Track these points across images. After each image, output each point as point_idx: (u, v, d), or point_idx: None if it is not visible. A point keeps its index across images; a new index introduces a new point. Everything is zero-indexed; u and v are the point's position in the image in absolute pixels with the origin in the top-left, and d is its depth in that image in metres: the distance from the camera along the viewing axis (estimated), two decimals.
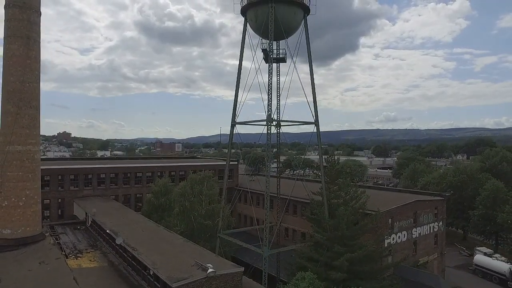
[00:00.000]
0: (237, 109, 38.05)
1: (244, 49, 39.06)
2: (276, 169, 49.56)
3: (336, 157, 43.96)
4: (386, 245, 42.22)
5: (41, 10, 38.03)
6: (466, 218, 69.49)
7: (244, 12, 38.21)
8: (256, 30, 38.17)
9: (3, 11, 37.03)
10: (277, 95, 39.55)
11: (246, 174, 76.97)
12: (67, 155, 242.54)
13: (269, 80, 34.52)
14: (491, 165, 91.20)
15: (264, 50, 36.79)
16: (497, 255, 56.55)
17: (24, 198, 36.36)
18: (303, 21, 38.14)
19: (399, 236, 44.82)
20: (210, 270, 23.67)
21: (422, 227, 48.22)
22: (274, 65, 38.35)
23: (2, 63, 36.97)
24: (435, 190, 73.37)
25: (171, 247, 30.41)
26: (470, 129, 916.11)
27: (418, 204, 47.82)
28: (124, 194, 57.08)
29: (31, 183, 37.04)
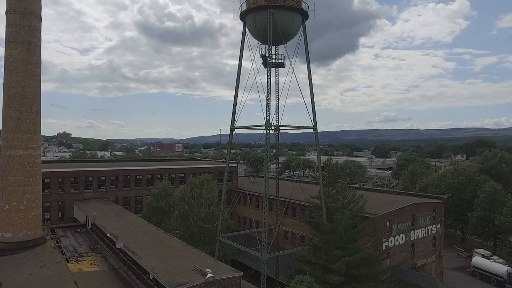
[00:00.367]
0: (236, 113, 38.37)
1: (244, 51, 39.40)
2: (275, 170, 49.81)
3: (334, 161, 44.13)
4: (384, 248, 42.56)
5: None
6: (465, 220, 69.82)
7: (243, 17, 38.52)
8: (255, 35, 38.46)
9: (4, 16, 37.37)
10: (276, 100, 39.88)
11: (245, 176, 77.36)
12: (67, 155, 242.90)
13: (267, 85, 34.83)
14: (490, 167, 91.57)
15: (262, 56, 37.10)
16: (495, 257, 56.88)
17: (25, 202, 36.74)
18: (301, 26, 38.43)
19: (397, 239, 45.14)
20: (209, 275, 24.02)
21: (420, 229, 48.54)
22: (273, 69, 38.68)
23: (3, 68, 37.32)
24: (434, 192, 73.76)
25: (171, 251, 30.74)
26: (470, 129, 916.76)
27: (416, 206, 48.12)
28: (124, 197, 57.44)
29: (32, 187, 37.40)
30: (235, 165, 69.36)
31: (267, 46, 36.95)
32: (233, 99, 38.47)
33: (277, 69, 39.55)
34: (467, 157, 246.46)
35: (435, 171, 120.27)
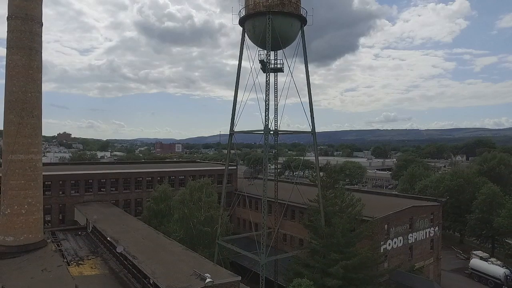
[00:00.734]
0: (235, 118, 38.74)
1: (243, 54, 39.67)
2: (274, 171, 50.19)
3: (332, 164, 44.55)
4: (382, 251, 42.93)
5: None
6: (463, 221, 70.25)
7: (242, 22, 38.90)
8: (254, 40, 38.84)
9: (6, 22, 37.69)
10: (275, 104, 40.28)
11: (245, 178, 77.67)
12: (67, 156, 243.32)
13: (266, 90, 35.16)
14: (489, 168, 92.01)
15: (261, 61, 37.46)
16: (492, 259, 57.21)
17: (26, 206, 37.03)
18: (300, 31, 38.80)
19: (395, 242, 45.52)
20: (208, 280, 24.39)
21: (418, 232, 48.93)
22: (272, 74, 39.07)
23: (5, 73, 37.61)
24: (432, 193, 74.21)
25: (171, 255, 31.09)
26: (470, 130, 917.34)
27: (414, 209, 48.50)
28: (125, 199, 57.81)
29: (33, 191, 37.70)
30: (235, 167, 69.70)
31: (266, 51, 37.29)
32: (232, 104, 38.85)
33: (276, 75, 39.96)
34: (466, 158, 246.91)
35: (434, 173, 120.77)
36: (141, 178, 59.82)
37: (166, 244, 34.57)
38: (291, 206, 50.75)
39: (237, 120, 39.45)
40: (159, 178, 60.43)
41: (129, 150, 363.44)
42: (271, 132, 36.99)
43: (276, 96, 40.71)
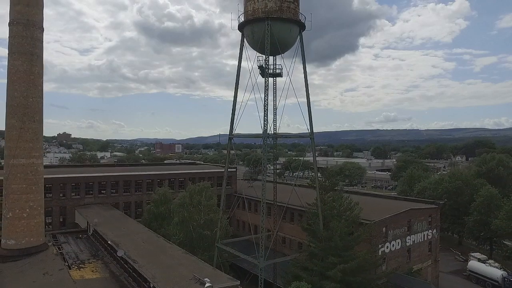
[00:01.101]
0: (234, 123, 39.10)
1: (242, 57, 39.99)
2: (273, 172, 50.56)
3: (332, 163, 44.96)
4: (380, 254, 43.31)
5: None
6: (462, 223, 70.57)
7: (241, 28, 39.27)
8: (253, 45, 39.20)
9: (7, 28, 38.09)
10: (273, 109, 40.65)
11: (244, 180, 78.09)
12: (67, 156, 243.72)
13: (265, 96, 35.54)
14: (488, 170, 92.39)
15: (260, 67, 37.83)
16: (490, 261, 57.54)
17: (28, 210, 37.48)
18: (298, 37, 39.16)
19: (393, 245, 45.89)
20: (207, 284, 24.80)
21: (416, 235, 49.29)
22: (271, 79, 39.46)
23: (6, 78, 37.99)
24: (431, 195, 74.56)
25: (171, 259, 31.50)
26: (470, 130, 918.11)
27: (412, 212, 48.87)
28: (125, 202, 58.21)
29: (35, 195, 38.15)
30: (234, 169, 70.12)
31: (264, 56, 37.63)
32: (232, 107, 39.21)
33: (274, 80, 40.35)
34: (466, 158, 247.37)
35: (434, 174, 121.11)
36: (141, 181, 60.21)
37: (166, 248, 34.98)
38: (290, 209, 51.12)
39: (236, 123, 39.80)
40: (159, 181, 60.88)
41: (129, 151, 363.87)
42: (269, 138, 37.30)
43: (275, 101, 41.15)
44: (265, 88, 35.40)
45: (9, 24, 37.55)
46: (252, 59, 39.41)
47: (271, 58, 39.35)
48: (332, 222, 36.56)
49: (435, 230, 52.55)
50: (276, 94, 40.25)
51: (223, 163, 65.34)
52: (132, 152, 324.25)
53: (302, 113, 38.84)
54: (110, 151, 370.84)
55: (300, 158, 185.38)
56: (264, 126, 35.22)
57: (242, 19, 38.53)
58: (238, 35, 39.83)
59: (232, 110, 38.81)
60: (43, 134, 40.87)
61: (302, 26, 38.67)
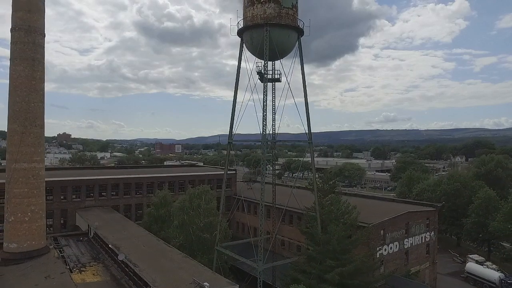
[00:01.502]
0: (233, 127, 39.52)
1: (241, 59, 40.33)
2: (272, 173, 50.92)
3: (332, 164, 45.42)
4: (378, 256, 43.75)
5: None
6: (460, 225, 71.01)
7: (240, 33, 39.69)
8: (252, 50, 39.62)
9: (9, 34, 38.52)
10: (272, 113, 41.12)
11: (244, 182, 78.49)
12: (67, 157, 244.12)
13: (264, 101, 35.96)
14: (487, 171, 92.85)
15: (259, 73, 38.26)
16: (488, 263, 57.99)
17: (29, 214, 37.89)
18: (297, 42, 39.60)
19: (391, 247, 46.33)
20: None
21: (414, 237, 49.73)
22: (269, 84, 39.87)
23: (8, 83, 38.41)
24: (429, 197, 75.01)
25: (171, 263, 31.94)
26: (469, 130, 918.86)
27: (410, 215, 49.29)
28: (125, 204, 58.68)
29: (36, 198, 38.57)
30: (234, 171, 70.56)
31: (263, 61, 38.03)
32: (231, 113, 39.63)
33: (273, 85, 40.77)
34: (466, 159, 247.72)
35: (433, 175, 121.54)
36: (141, 184, 60.68)
37: (166, 251, 35.42)
38: (289, 211, 51.52)
39: (236, 126, 40.14)
40: (159, 183, 61.34)
41: (129, 151, 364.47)
42: (269, 143, 37.73)
43: (274, 104, 41.58)
44: (264, 94, 35.81)
45: (11, 30, 37.96)
46: (251, 62, 39.87)
47: (269, 63, 39.77)
48: (330, 225, 36.99)
49: (433, 233, 52.98)
50: (275, 95, 40.69)
51: (223, 164, 65.73)
52: (132, 153, 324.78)
53: (300, 116, 39.33)
54: (110, 152, 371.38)
55: (299, 159, 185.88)
56: (263, 131, 35.63)
57: (241, 24, 38.95)
58: (239, 25, 39.98)
59: (232, 115, 39.27)
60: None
61: (300, 32, 39.10)
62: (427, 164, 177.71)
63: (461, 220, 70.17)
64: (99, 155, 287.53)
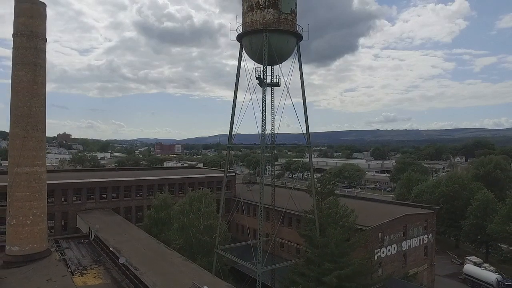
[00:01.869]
0: (233, 130, 39.91)
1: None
2: (271, 174, 51.20)
3: (331, 165, 45.86)
4: (376, 259, 44.15)
5: None
6: (458, 227, 71.41)
7: (239, 39, 40.10)
8: (251, 55, 40.00)
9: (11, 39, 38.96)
10: (271, 116, 41.53)
11: (243, 183, 78.83)
12: (67, 157, 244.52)
13: (263, 107, 36.36)
14: (485, 173, 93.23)
15: (258, 78, 38.65)
16: (486, 264, 58.34)
17: (31, 217, 38.39)
18: (296, 48, 40.01)
19: (389, 249, 46.72)
20: None
21: (412, 239, 50.12)
22: (268, 89, 40.30)
23: (10, 88, 38.85)
24: (428, 199, 75.44)
25: (171, 266, 32.38)
26: (469, 130, 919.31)
27: (408, 217, 49.69)
28: (125, 206, 59.11)
29: (38, 202, 39.04)
30: (233, 174, 71.00)
31: (262, 66, 38.44)
32: (230, 117, 40.02)
33: (272, 89, 41.19)
34: (465, 159, 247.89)
35: (432, 176, 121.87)
36: (141, 186, 61.10)
37: (166, 255, 35.85)
38: (288, 213, 51.89)
39: (236, 128, 40.55)
40: (159, 185, 61.77)
41: (129, 151, 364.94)
42: (268, 147, 38.13)
43: (273, 109, 42.00)
44: (263, 99, 36.22)
45: (13, 36, 38.41)
46: (250, 65, 40.23)
47: (269, 68, 40.17)
48: (328, 229, 37.41)
49: (430, 235, 53.38)
50: (274, 96, 41.03)
51: (223, 165, 66.16)
52: (132, 153, 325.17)
53: (298, 119, 39.72)
54: (110, 152, 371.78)
55: (299, 159, 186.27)
56: (261, 137, 36.04)
57: (241, 30, 39.36)
58: (238, 30, 40.37)
59: (231, 118, 39.63)
60: None
61: (299, 37, 39.50)
62: (426, 165, 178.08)
63: (459, 221, 70.56)
64: (99, 155, 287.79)
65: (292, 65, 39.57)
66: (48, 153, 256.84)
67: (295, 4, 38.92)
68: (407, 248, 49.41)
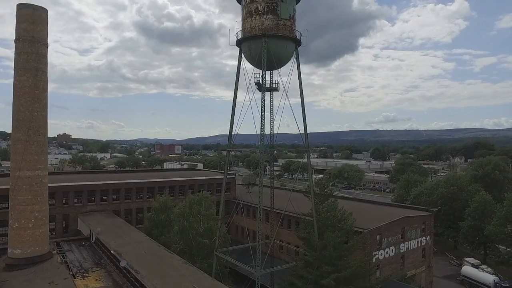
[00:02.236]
0: (232, 136, 40.37)
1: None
2: (271, 176, 51.64)
3: (331, 165, 46.32)
4: (374, 261, 44.62)
5: None
6: (456, 228, 71.91)
7: (239, 44, 40.58)
8: (251, 60, 40.50)
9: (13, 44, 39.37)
10: (271, 121, 41.97)
11: (243, 185, 79.25)
12: (67, 158, 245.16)
13: (262, 111, 36.84)
14: (484, 174, 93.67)
15: (257, 83, 39.13)
16: (483, 266, 58.85)
17: (33, 220, 38.74)
18: (294, 53, 40.49)
19: (387, 252, 47.21)
20: None
21: (410, 241, 50.61)
22: (267, 93, 40.75)
23: (12, 93, 39.26)
24: (427, 200, 75.91)
25: (171, 269, 32.82)
26: (469, 130, 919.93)
27: (406, 220, 50.15)
28: (126, 209, 59.57)
29: (40, 205, 39.42)
30: (233, 176, 71.43)
31: (261, 71, 38.88)
32: (230, 121, 40.51)
33: (272, 94, 41.65)
34: (465, 160, 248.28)
35: (431, 177, 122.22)
36: (142, 188, 61.53)
37: (167, 258, 36.28)
38: (287, 216, 52.34)
39: (236, 129, 41.01)
40: (159, 188, 62.21)
41: (129, 152, 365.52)
42: (267, 149, 38.57)
43: (272, 111, 42.44)
44: (262, 104, 36.69)
45: (15, 41, 38.78)
46: (250, 70, 40.67)
47: (268, 73, 40.62)
48: (326, 232, 37.86)
49: (428, 237, 53.85)
50: (273, 98, 41.48)
51: (223, 166, 66.56)
52: (132, 153, 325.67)
53: (297, 122, 40.17)
54: (110, 152, 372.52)
55: (299, 160, 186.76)
56: (260, 139, 36.51)
57: (240, 35, 39.83)
58: (238, 36, 40.73)
59: (231, 122, 40.12)
60: None
61: (297, 43, 39.98)
62: (426, 166, 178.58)
63: (457, 223, 71.06)
64: (99, 155, 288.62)
65: (291, 70, 40.07)
66: (48, 153, 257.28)
67: (294, 10, 39.43)
68: (405, 250, 49.89)
